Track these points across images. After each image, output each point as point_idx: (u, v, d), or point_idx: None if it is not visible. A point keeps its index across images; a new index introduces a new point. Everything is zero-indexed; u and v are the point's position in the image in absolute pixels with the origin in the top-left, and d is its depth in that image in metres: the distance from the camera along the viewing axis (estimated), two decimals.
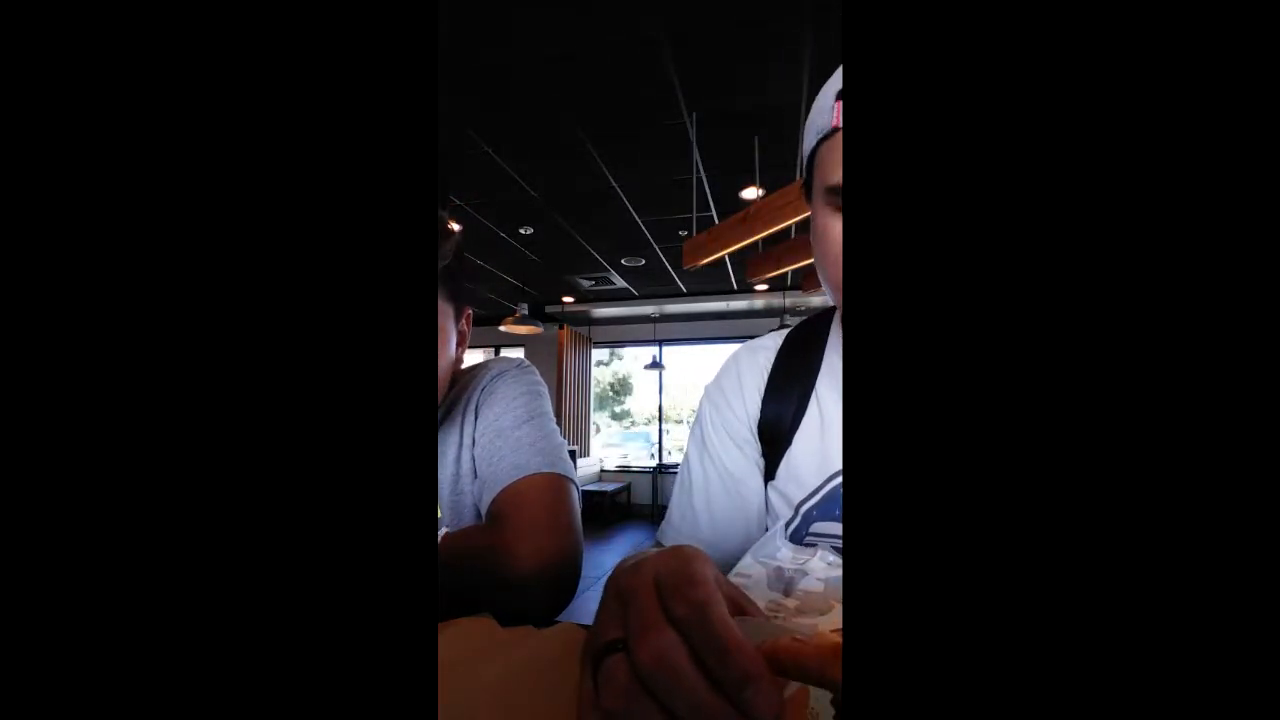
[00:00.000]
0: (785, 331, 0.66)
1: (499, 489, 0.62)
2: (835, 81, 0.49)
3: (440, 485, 0.68)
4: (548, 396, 0.73)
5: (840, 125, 0.48)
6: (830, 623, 0.33)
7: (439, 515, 0.67)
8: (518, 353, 6.86)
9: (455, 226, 0.66)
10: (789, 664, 0.21)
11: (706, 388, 0.68)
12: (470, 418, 0.69)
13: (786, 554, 0.44)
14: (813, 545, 0.46)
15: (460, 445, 0.69)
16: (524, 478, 0.62)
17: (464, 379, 0.73)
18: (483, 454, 0.66)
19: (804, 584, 0.39)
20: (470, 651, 0.38)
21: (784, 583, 0.40)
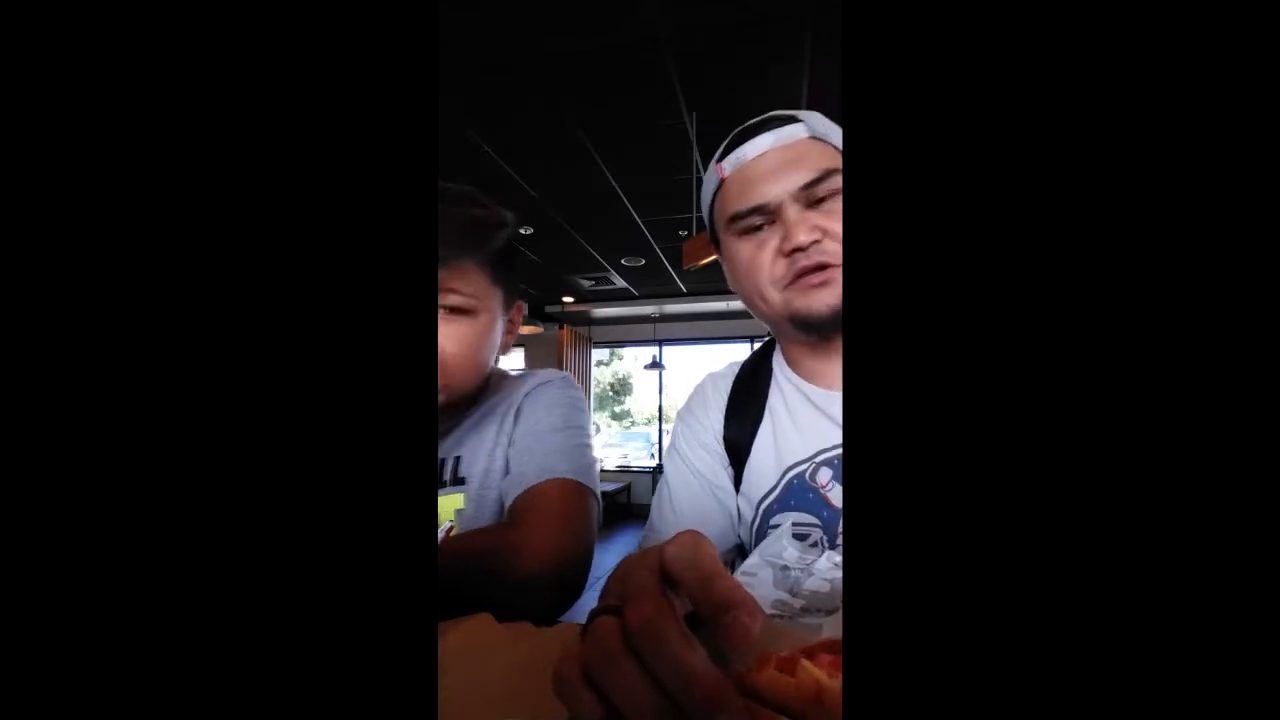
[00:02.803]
0: (743, 361, 0.77)
1: (522, 488, 0.64)
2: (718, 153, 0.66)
3: (470, 479, 0.70)
4: (588, 413, 0.77)
5: (726, 177, 0.64)
6: (836, 622, 0.33)
7: (462, 506, 0.69)
8: (518, 353, 6.87)
9: (508, 215, 0.69)
10: (768, 698, 0.20)
11: (679, 412, 0.79)
12: (511, 418, 0.72)
13: (792, 553, 0.44)
14: (815, 545, 0.46)
15: (496, 443, 0.71)
16: (547, 480, 0.64)
17: (511, 383, 0.76)
18: (515, 454, 0.69)
19: (810, 583, 0.39)
20: (471, 650, 0.38)
21: (790, 582, 0.40)
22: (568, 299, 6.08)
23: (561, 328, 6.51)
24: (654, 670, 0.21)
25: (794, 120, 0.62)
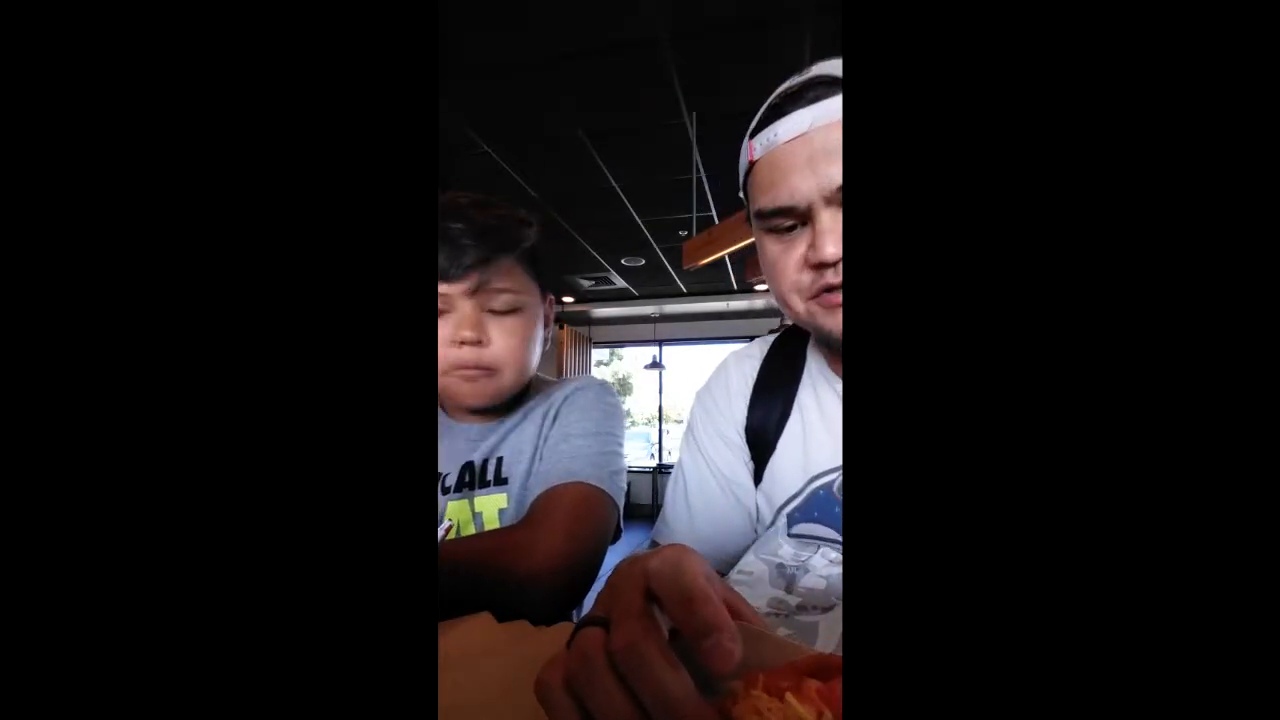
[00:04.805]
0: (772, 339, 0.69)
1: (544, 488, 0.64)
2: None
3: (512, 479, 0.71)
4: (623, 421, 0.76)
5: (755, 159, 0.52)
6: (833, 619, 0.33)
7: (505, 505, 0.70)
8: None
9: (527, 214, 0.73)
10: None
11: (698, 393, 0.70)
12: (549, 420, 0.73)
13: (788, 551, 0.44)
14: (810, 543, 0.46)
15: (536, 445, 0.72)
16: (566, 483, 0.64)
17: (550, 386, 0.79)
18: (547, 454, 0.70)
19: (806, 581, 0.39)
20: (471, 649, 0.38)
21: (786, 579, 0.40)
22: (568, 299, 6.07)
23: (561, 328, 6.51)
24: (637, 694, 0.21)
25: (838, 90, 0.48)
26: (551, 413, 0.74)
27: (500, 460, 0.72)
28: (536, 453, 0.72)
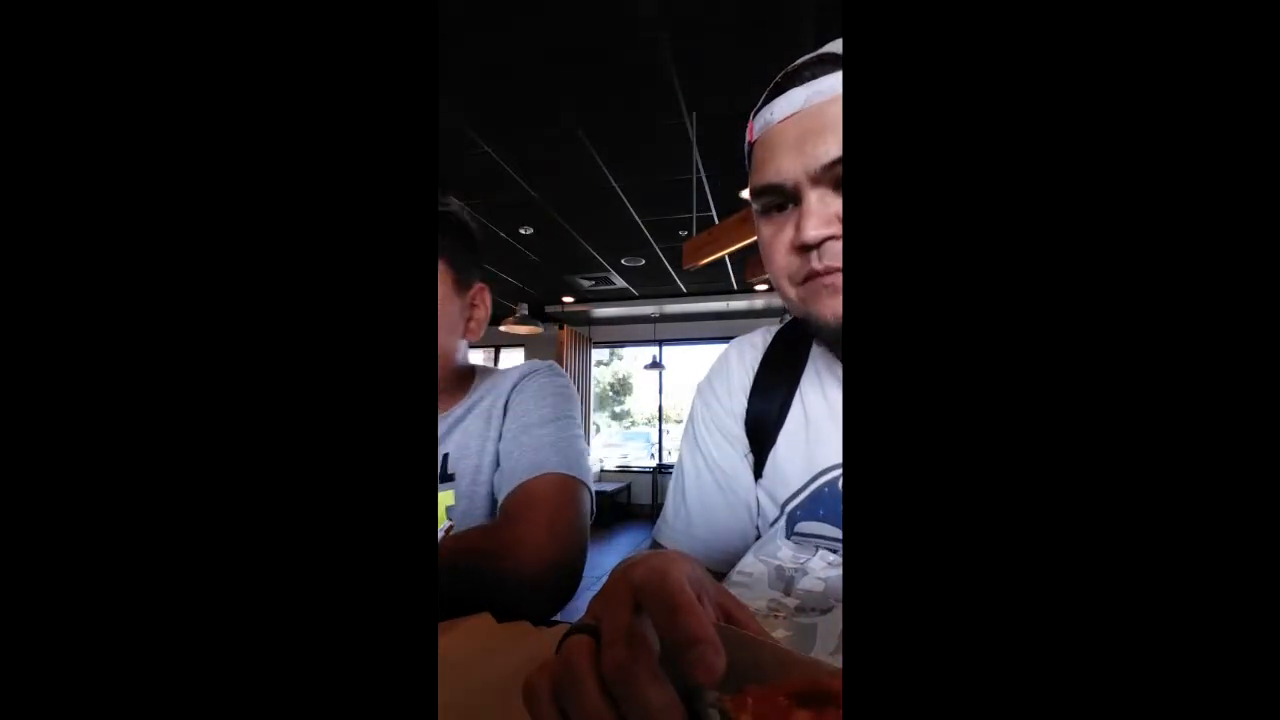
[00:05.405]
0: (777, 328, 0.67)
1: (514, 484, 0.64)
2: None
3: (460, 475, 0.70)
4: (577, 401, 0.75)
5: (754, 140, 0.52)
6: (831, 621, 0.33)
7: (453, 503, 0.69)
8: (518, 353, 6.86)
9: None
10: None
11: (699, 384, 0.69)
12: (500, 412, 0.72)
13: (787, 553, 0.44)
14: (809, 544, 0.46)
15: (486, 437, 0.71)
16: (538, 476, 0.63)
17: (497, 377, 0.76)
18: (506, 448, 0.68)
19: (804, 583, 0.39)
20: (470, 651, 0.38)
21: (784, 581, 0.40)
22: (568, 299, 6.07)
23: (561, 328, 6.50)
24: (623, 711, 0.21)
25: (837, 68, 0.47)
26: (500, 405, 0.72)
27: (445, 457, 0.70)
28: (487, 447, 0.70)
